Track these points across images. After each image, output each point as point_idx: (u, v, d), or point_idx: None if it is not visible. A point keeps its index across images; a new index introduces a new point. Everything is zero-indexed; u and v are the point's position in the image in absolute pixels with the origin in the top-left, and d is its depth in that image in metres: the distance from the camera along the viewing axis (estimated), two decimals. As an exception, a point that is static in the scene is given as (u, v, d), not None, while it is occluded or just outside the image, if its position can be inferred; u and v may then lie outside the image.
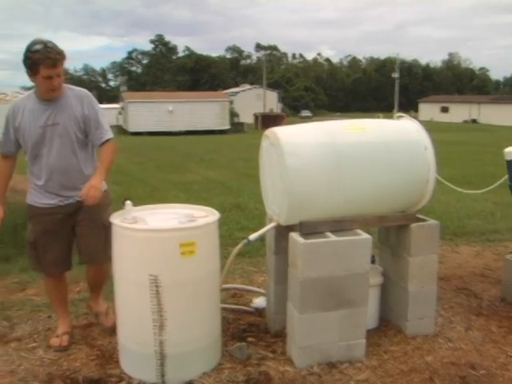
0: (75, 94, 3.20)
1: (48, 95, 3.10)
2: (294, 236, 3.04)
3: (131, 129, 36.62)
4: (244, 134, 36.63)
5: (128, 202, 2.91)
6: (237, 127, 40.73)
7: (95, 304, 3.69)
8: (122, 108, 41.58)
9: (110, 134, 3.24)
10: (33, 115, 3.13)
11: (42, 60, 2.91)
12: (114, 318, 3.29)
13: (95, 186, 3.03)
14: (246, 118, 46.89)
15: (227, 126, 39.66)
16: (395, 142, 3.24)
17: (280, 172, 3.05)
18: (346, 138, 3.14)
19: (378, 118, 3.67)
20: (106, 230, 3.04)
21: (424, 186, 3.27)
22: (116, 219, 2.95)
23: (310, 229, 3.08)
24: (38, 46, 2.93)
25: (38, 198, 3.26)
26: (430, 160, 3.24)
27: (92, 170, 3.24)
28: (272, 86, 71.43)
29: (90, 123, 3.18)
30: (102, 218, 3.15)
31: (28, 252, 3.38)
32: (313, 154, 3.03)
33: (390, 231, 3.56)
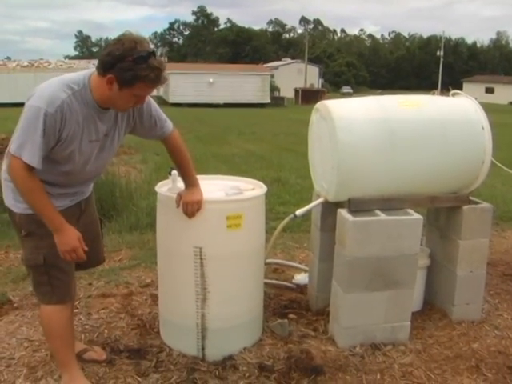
0: None
1: (121, 109, 2.35)
2: (343, 213, 2.96)
3: (171, 100, 36.69)
4: (284, 109, 36.42)
5: (174, 172, 2.82)
6: (277, 101, 40.45)
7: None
8: (164, 79, 41.67)
9: (170, 122, 2.63)
10: (87, 125, 2.27)
11: (150, 79, 2.14)
12: (103, 352, 2.90)
13: (200, 202, 2.67)
14: (287, 92, 46.50)
15: (267, 100, 39.38)
16: (451, 120, 3.09)
17: (330, 147, 2.97)
18: (400, 114, 3.03)
19: (433, 94, 3.50)
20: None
21: (479, 168, 3.13)
22: (162, 188, 2.90)
23: (358, 206, 3.00)
24: (152, 61, 2.11)
25: None
26: (486, 141, 3.09)
27: None
28: (313, 60, 70.47)
29: (150, 119, 2.53)
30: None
31: (36, 281, 2.47)
32: (365, 130, 2.93)
33: (440, 212, 3.43)
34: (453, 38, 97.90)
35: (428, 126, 3.03)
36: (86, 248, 2.32)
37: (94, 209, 2.76)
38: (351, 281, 2.92)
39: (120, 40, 2.12)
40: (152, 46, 2.21)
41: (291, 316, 3.38)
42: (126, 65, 2.09)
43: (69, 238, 2.27)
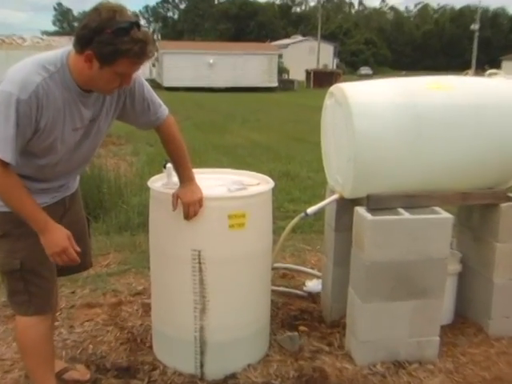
0: None
1: (105, 91, 2.28)
2: (361, 211, 2.95)
3: (166, 83, 36.74)
4: (294, 93, 36.42)
5: (169, 165, 2.84)
6: (286, 85, 40.46)
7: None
8: (156, 59, 41.74)
9: (165, 108, 2.60)
10: (69, 112, 2.23)
11: (134, 54, 2.07)
12: (87, 371, 2.90)
13: (202, 201, 2.65)
14: (297, 74, 46.50)
15: (275, 84, 39.37)
16: (487, 105, 3.07)
17: (347, 136, 2.96)
18: (428, 98, 3.01)
19: (466, 75, 3.49)
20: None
21: (519, 160, 3.12)
22: (155, 184, 2.91)
23: (378, 203, 3.00)
24: (135, 33, 2.05)
25: None
26: (529, 129, 3.07)
27: None
28: (327, 38, 70.43)
29: (143, 102, 2.50)
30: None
31: (11, 289, 2.42)
32: (387, 117, 2.92)
33: (474, 211, 3.42)
34: (491, 8, 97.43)
35: (460, 112, 3.01)
36: (78, 249, 2.31)
37: (80, 207, 2.76)
38: (370, 288, 2.91)
39: (97, 10, 2.05)
40: (136, 18, 2.15)
41: (302, 328, 3.38)
42: (104, 38, 2.02)
43: (57, 238, 2.24)
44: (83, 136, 2.36)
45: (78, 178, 2.69)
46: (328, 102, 3.25)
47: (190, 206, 2.63)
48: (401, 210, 2.98)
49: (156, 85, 35.37)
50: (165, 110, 2.59)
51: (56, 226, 2.26)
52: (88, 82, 2.20)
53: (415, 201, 3.04)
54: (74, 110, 2.24)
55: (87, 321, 3.52)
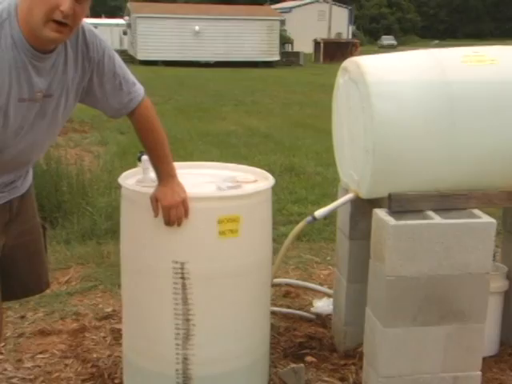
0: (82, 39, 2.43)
1: (42, 32, 2.17)
2: (381, 214, 2.94)
3: (141, 56, 36.78)
4: (299, 69, 36.46)
5: (145, 158, 2.84)
6: (289, 59, 40.48)
7: None
8: (129, 25, 41.75)
9: (140, 87, 2.62)
10: (16, 76, 2.21)
11: None
12: None
13: (187, 202, 2.65)
14: (303, 45, 46.40)
15: (276, 57, 39.39)
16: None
17: (364, 122, 2.97)
18: (466, 74, 3.01)
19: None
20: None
21: None
22: (128, 180, 2.92)
23: (403, 205, 3.00)
24: None
25: None
26: None
27: None
28: (341, -1, 70.42)
29: (114, 79, 2.51)
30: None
31: None
32: (413, 97, 2.93)
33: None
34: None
35: (508, 92, 3.01)
36: None
37: (33, 213, 2.76)
38: (393, 310, 2.89)
39: None
40: None
41: (309, 359, 3.40)
42: None
43: None
44: (38, 114, 2.34)
45: (31, 174, 2.67)
46: (341, 79, 3.25)
47: (171, 210, 2.62)
48: (431, 213, 2.97)
49: (128, 58, 35.41)
50: (140, 90, 2.60)
51: None
52: (29, 21, 2.15)
53: (449, 201, 3.04)
54: (22, 75, 2.22)
55: (40, 352, 3.50)
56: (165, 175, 2.70)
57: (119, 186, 2.91)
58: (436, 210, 2.99)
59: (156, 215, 2.66)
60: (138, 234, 2.83)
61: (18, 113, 2.27)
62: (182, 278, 2.72)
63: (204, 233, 2.71)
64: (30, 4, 2.13)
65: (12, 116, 2.25)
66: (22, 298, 2.95)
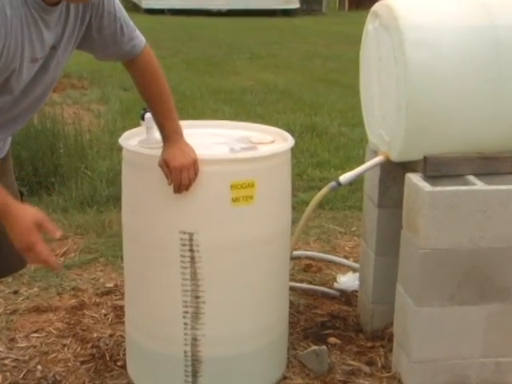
0: None
1: None
2: (415, 179, 2.92)
3: (146, 4, 36.70)
4: (322, 17, 36.38)
5: (149, 116, 2.81)
6: (311, 6, 40.26)
7: None
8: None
9: (140, 35, 2.64)
10: (28, 35, 2.22)
11: None
12: None
13: (197, 164, 2.62)
14: (326, -9, 46.22)
15: (296, 5, 39.15)
16: None
17: (397, 74, 2.94)
18: (513, 17, 3.00)
19: None
20: None
21: None
22: (130, 141, 2.89)
23: (440, 168, 2.98)
24: None
25: None
26: None
27: None
28: None
29: (114, 23, 2.51)
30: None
31: None
32: (454, 45, 2.90)
33: None
34: None
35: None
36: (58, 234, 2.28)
37: (12, 178, 2.76)
38: (428, 287, 2.89)
39: None
40: None
41: (332, 340, 3.39)
42: None
43: (20, 228, 2.18)
44: (41, 69, 2.35)
45: (10, 137, 2.65)
46: (371, 26, 3.23)
47: (181, 172, 2.59)
48: (471, 178, 2.95)
49: (132, 5, 35.33)
50: (141, 36, 2.61)
51: (19, 207, 2.22)
52: None
53: (493, 165, 3.03)
54: (34, 33, 2.22)
55: (35, 331, 3.52)
56: (171, 133, 2.67)
57: (121, 148, 2.90)
58: (478, 175, 2.97)
59: (170, 182, 2.62)
60: (141, 202, 2.82)
61: (28, 74, 2.29)
62: (191, 250, 2.70)
63: (215, 200, 2.69)
64: None
65: (22, 79, 2.27)
66: (6, 276, 2.95)
